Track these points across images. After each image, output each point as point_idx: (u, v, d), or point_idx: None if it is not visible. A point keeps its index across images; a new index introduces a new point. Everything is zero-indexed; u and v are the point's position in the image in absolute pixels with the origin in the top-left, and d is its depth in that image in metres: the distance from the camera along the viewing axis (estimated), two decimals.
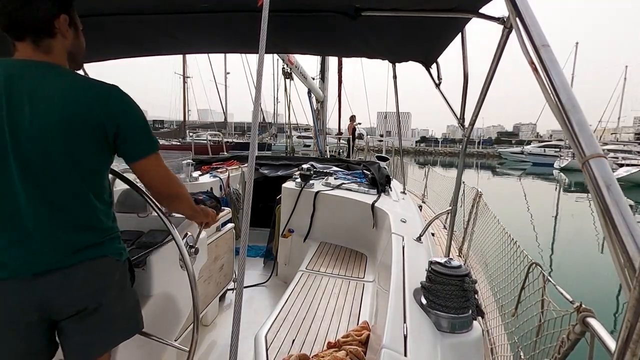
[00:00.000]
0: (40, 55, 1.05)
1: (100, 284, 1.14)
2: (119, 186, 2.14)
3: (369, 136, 12.04)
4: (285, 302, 2.05)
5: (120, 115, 1.08)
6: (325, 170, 4.06)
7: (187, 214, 1.44)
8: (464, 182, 3.55)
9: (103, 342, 1.18)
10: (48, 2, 1.03)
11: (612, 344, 0.82)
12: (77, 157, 1.04)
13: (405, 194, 3.83)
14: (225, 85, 37.22)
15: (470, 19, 1.68)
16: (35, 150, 0.99)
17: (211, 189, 3.42)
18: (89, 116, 1.03)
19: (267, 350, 1.61)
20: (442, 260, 1.40)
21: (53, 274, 1.06)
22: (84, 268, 1.10)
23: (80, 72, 1.20)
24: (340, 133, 10.70)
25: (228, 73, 38.17)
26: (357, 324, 1.87)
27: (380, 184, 3.37)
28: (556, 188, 20.15)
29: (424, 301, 1.40)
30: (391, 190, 3.50)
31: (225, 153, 5.38)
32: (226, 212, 2.67)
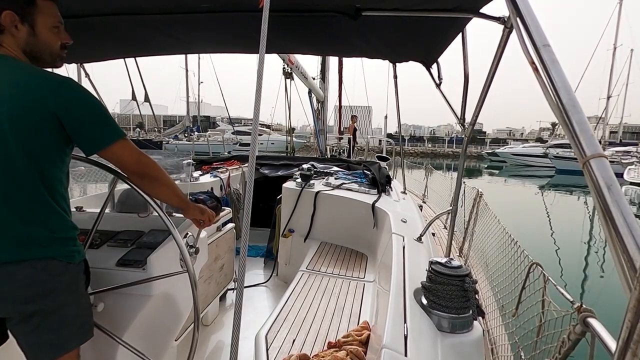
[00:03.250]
0: None
1: (46, 286, 1.09)
2: (119, 186, 2.15)
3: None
4: (286, 302, 2.05)
5: (74, 105, 1.07)
6: (325, 170, 4.06)
7: (174, 202, 1.38)
8: (464, 182, 3.55)
9: (55, 345, 1.13)
10: None
11: (612, 344, 0.82)
12: (28, 146, 1.03)
13: (406, 193, 3.83)
14: None
15: (471, 18, 1.68)
16: None
17: (212, 188, 3.42)
18: (40, 107, 1.02)
19: (267, 350, 1.61)
20: (443, 260, 1.40)
21: None
22: (29, 267, 1.07)
23: (82, 72, 1.20)
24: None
25: None
26: (358, 324, 1.87)
27: (380, 184, 3.37)
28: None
29: (424, 301, 1.40)
30: (392, 190, 3.50)
31: None
32: (227, 212, 2.67)
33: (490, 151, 35.76)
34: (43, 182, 1.08)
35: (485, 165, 32.19)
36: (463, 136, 2.05)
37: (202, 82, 34.61)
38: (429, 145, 48.75)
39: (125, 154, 1.17)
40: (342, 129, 11.23)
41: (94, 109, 1.11)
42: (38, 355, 1.13)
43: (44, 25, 1.14)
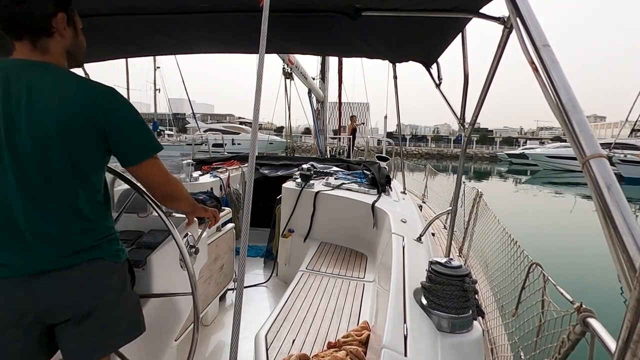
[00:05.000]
0: (37, 55, 1.04)
1: (97, 287, 1.12)
2: (119, 186, 2.14)
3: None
4: (286, 302, 2.05)
5: (117, 116, 1.07)
6: (325, 170, 4.06)
7: (187, 210, 1.52)
8: (464, 182, 3.55)
9: (103, 346, 1.15)
10: (44, 0, 1.03)
11: (612, 344, 0.82)
12: (74, 157, 1.03)
13: (406, 194, 3.83)
14: None
15: (471, 19, 1.68)
16: (31, 151, 0.98)
17: (211, 189, 3.42)
18: (86, 117, 1.02)
19: (267, 350, 1.61)
20: (443, 260, 1.40)
21: (47, 276, 1.05)
22: (79, 271, 1.08)
23: (81, 71, 1.20)
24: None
25: None
26: (358, 324, 1.87)
27: (380, 184, 3.37)
28: None
29: (424, 301, 1.40)
30: (391, 190, 3.50)
31: None
32: (226, 212, 2.67)
33: (517, 152, 30.62)
34: (85, 191, 1.08)
35: (505, 169, 27.84)
36: (463, 135, 2.05)
37: (158, 68, 32.40)
38: (433, 146, 46.46)
39: (154, 173, 1.19)
40: (338, 127, 11.15)
41: (135, 122, 1.12)
42: (89, 357, 1.13)
43: (79, 25, 1.16)
